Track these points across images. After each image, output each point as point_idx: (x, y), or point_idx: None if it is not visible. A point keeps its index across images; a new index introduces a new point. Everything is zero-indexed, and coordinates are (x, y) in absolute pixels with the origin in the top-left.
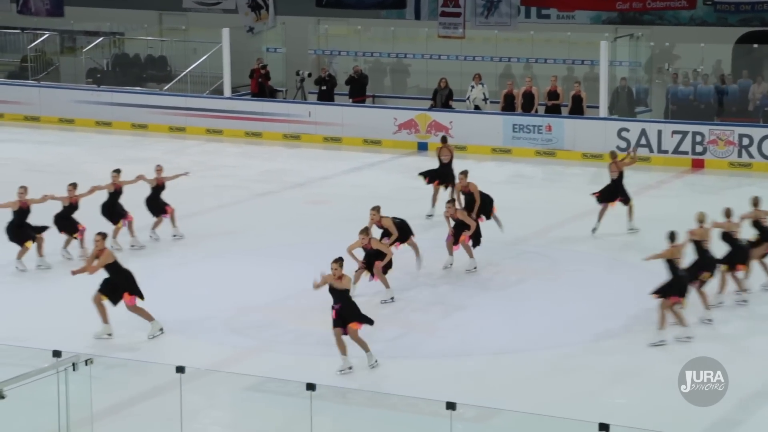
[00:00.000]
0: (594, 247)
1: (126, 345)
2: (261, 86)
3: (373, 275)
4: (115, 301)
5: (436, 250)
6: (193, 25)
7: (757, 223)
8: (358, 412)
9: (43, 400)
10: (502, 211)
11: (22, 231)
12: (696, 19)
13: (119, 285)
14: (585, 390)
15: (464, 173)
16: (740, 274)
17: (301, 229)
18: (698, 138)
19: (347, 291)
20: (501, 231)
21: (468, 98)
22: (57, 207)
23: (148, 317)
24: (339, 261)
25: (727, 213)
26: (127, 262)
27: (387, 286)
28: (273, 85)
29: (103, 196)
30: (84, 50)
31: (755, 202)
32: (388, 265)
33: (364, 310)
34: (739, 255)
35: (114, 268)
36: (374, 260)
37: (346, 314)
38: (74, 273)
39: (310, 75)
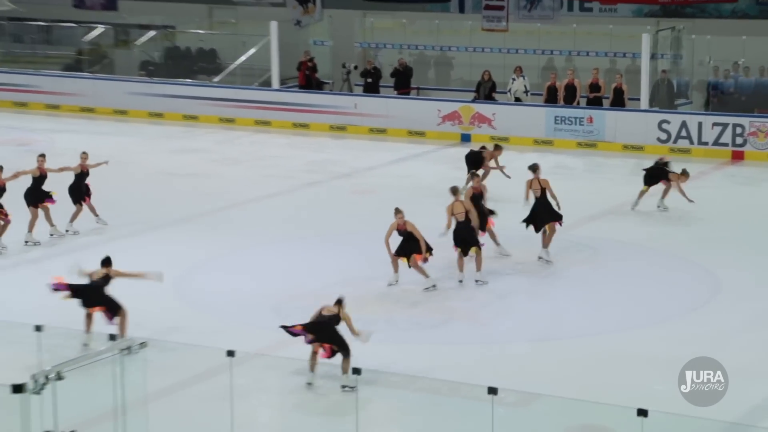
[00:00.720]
0: (635, 238)
1: (178, 328)
2: (308, 78)
3: (410, 264)
4: None
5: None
6: (243, 18)
7: None
8: (402, 396)
9: (101, 382)
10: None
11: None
12: (738, 12)
13: None
14: (623, 376)
15: (476, 174)
16: None
17: (347, 218)
18: (738, 130)
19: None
20: (496, 247)
21: (509, 90)
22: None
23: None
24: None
25: None
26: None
27: (426, 275)
28: (320, 77)
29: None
30: (137, 43)
31: None
32: (428, 249)
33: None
34: None
35: None
36: (409, 244)
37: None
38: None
39: (356, 67)
